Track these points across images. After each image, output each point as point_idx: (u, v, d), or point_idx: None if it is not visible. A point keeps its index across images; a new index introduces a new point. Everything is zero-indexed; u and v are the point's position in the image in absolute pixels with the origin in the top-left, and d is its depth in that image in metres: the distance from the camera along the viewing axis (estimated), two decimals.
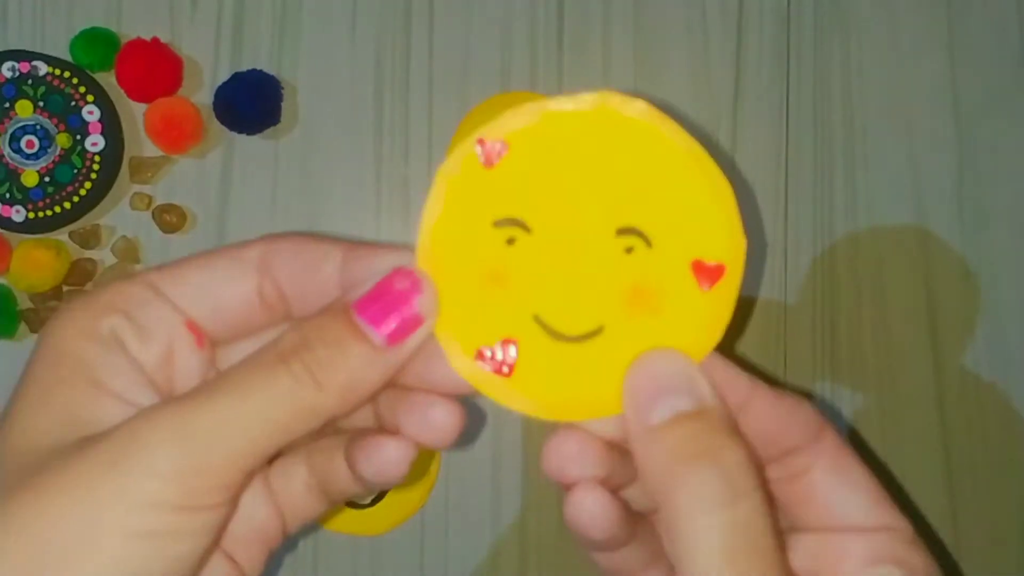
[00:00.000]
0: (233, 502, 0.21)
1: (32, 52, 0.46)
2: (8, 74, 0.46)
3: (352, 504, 0.46)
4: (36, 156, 0.46)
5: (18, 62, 0.46)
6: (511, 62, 0.48)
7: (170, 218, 0.46)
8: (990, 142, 0.48)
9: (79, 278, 0.46)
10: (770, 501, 0.22)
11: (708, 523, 0.21)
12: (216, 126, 0.47)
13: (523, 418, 0.47)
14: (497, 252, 0.24)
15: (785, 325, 0.47)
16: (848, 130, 0.48)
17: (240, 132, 0.47)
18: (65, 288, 0.46)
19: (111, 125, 0.46)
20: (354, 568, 0.46)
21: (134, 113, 0.47)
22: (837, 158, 0.48)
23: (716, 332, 0.23)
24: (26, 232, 0.46)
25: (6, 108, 0.46)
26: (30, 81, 0.46)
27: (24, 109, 0.46)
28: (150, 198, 0.47)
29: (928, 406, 0.47)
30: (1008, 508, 0.47)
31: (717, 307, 0.23)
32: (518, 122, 0.24)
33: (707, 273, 0.24)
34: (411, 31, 0.48)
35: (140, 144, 0.47)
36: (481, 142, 0.24)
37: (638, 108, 0.23)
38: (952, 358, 0.47)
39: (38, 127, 0.46)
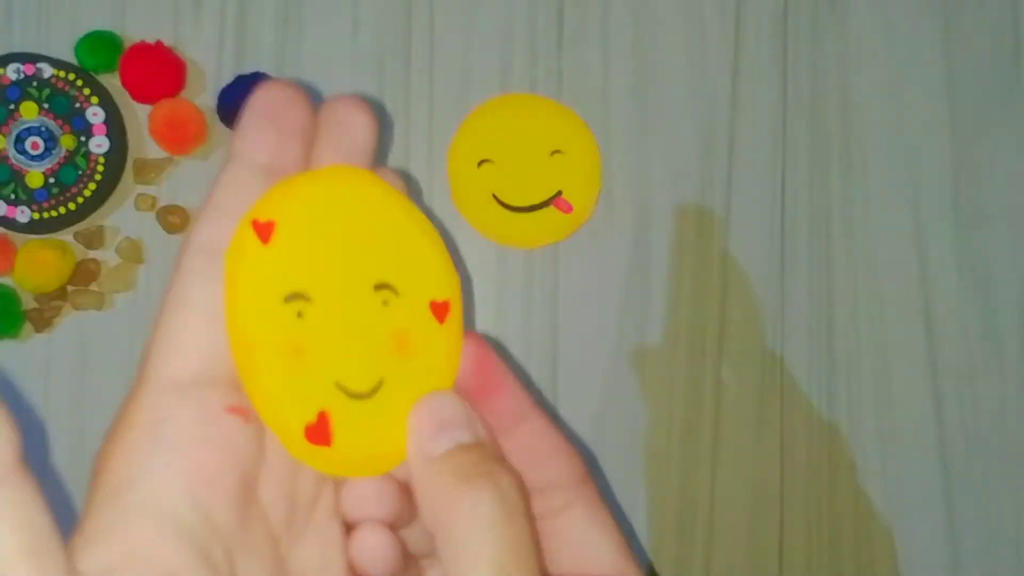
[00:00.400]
0: None
1: (37, 54, 0.47)
2: (13, 76, 0.46)
3: None
4: (41, 157, 0.46)
5: (23, 64, 0.46)
6: (511, 62, 0.48)
7: (174, 219, 0.47)
8: (986, 142, 0.48)
9: (83, 278, 0.47)
10: (534, 527, 0.23)
11: (484, 539, 0.22)
12: (219, 127, 0.47)
13: None
14: (293, 326, 0.24)
15: (782, 326, 0.48)
16: (845, 131, 0.48)
17: None
18: (69, 288, 0.47)
19: (115, 127, 0.47)
20: None
21: (138, 115, 0.48)
22: (834, 159, 0.48)
23: (456, 357, 0.26)
24: (31, 233, 0.47)
25: (11, 110, 0.46)
26: (35, 83, 0.46)
27: (29, 111, 0.46)
28: (154, 199, 0.47)
29: (925, 407, 0.48)
30: (1005, 508, 0.47)
31: (452, 336, 0.26)
32: (278, 199, 0.25)
33: (439, 309, 0.26)
34: (411, 33, 0.48)
35: (144, 145, 0.48)
36: (254, 223, 0.25)
37: (365, 177, 0.26)
38: (949, 359, 0.48)
39: (43, 129, 0.46)
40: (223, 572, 0.21)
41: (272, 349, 0.24)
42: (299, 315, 0.24)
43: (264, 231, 0.25)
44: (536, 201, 0.47)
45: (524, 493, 0.24)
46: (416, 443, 0.24)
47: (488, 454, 0.24)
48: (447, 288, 0.26)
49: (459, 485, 0.23)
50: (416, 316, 0.25)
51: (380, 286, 0.25)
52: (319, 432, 0.24)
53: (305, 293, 0.25)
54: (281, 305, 0.24)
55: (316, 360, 0.24)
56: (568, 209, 0.47)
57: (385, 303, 0.25)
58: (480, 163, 0.47)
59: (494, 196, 0.47)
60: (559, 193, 0.47)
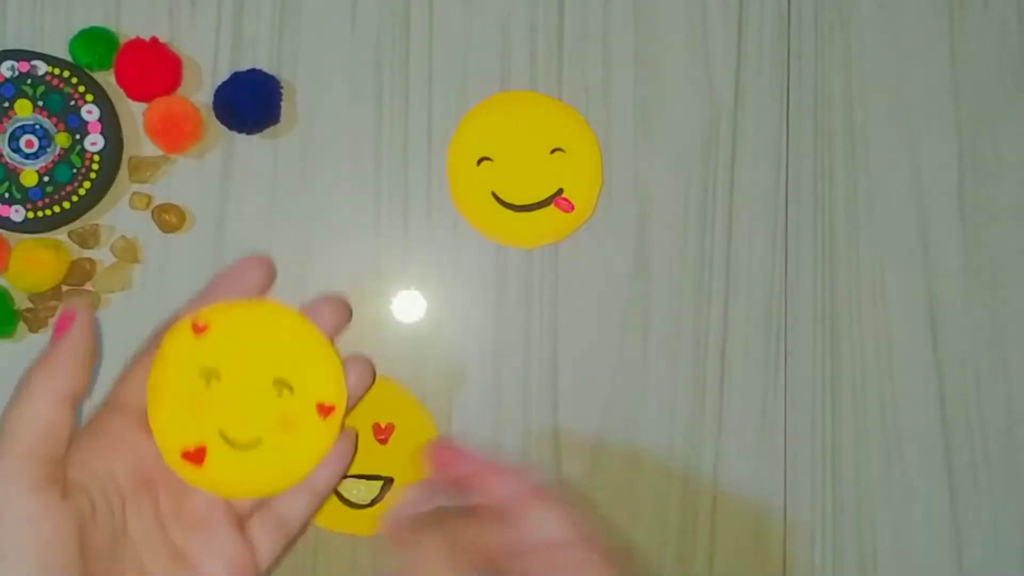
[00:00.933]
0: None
1: (31, 51, 0.46)
2: (7, 73, 0.46)
3: (351, 504, 0.46)
4: (35, 156, 0.46)
5: (17, 61, 0.46)
6: (511, 62, 0.48)
7: (169, 218, 0.46)
8: (991, 141, 0.48)
9: (78, 278, 0.46)
10: None
11: None
12: (215, 125, 0.47)
13: (522, 428, 0.47)
14: (199, 390, 0.38)
15: (785, 326, 0.47)
16: (849, 130, 0.48)
17: (240, 132, 0.47)
18: (64, 288, 0.46)
19: (110, 124, 0.46)
20: (353, 568, 0.46)
21: (133, 112, 0.47)
22: (838, 158, 0.48)
23: (328, 445, 0.38)
24: (25, 232, 0.46)
25: (5, 108, 0.46)
26: (29, 80, 0.46)
27: (23, 108, 0.46)
28: (149, 197, 0.47)
29: (930, 407, 0.47)
30: (1010, 509, 0.47)
31: (330, 430, 0.39)
32: (218, 311, 0.38)
33: (324, 410, 0.39)
34: (410, 30, 0.48)
35: (139, 143, 0.47)
36: (194, 323, 0.38)
37: (288, 311, 0.39)
38: (953, 359, 0.47)
39: (37, 126, 0.46)
40: (108, 511, 0.34)
41: (177, 398, 0.38)
42: (207, 384, 0.38)
43: (200, 330, 0.38)
44: (537, 199, 0.47)
45: None
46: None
47: None
48: (334, 396, 0.39)
49: None
50: (303, 409, 0.38)
51: (279, 382, 0.38)
52: (194, 456, 0.37)
53: (217, 372, 0.38)
54: (196, 374, 0.38)
55: (210, 414, 0.38)
56: (569, 208, 0.47)
57: (279, 394, 0.38)
58: (480, 161, 0.47)
59: (494, 194, 0.47)
60: (560, 191, 0.47)
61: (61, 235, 0.47)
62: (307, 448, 0.38)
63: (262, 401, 0.38)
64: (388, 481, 0.46)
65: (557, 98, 0.47)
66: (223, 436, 0.38)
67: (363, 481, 0.46)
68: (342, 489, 0.46)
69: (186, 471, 0.37)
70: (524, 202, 0.47)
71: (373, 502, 0.46)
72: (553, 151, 0.47)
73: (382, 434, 0.45)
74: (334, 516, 0.46)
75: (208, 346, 0.38)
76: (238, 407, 0.38)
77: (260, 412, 0.38)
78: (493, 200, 0.47)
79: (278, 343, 0.38)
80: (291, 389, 0.38)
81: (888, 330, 0.47)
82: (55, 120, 0.46)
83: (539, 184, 0.47)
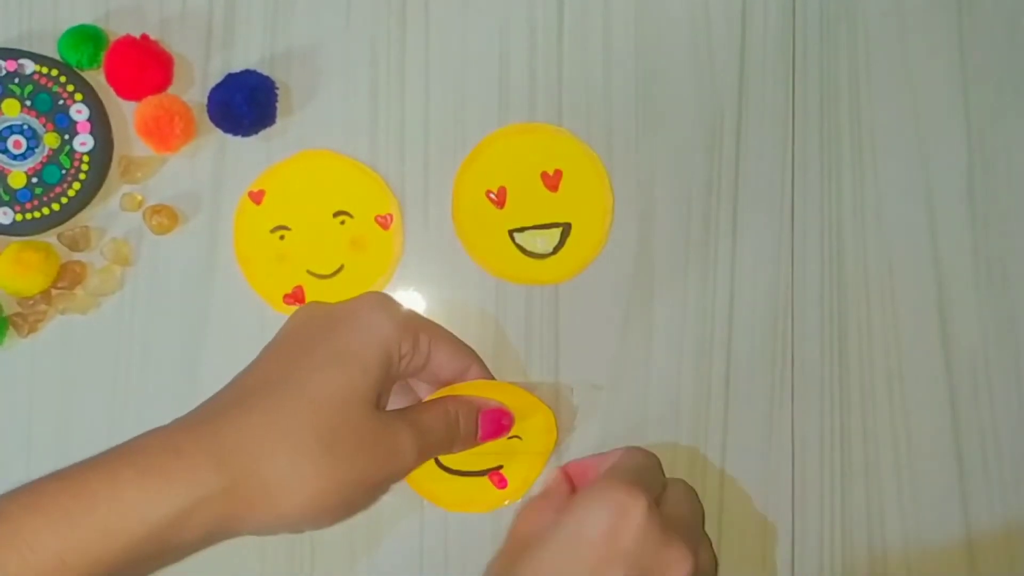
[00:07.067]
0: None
1: (18, 50, 0.45)
2: None
3: (533, 255, 0.46)
4: (23, 156, 0.45)
5: (4, 60, 0.45)
6: (509, 60, 0.47)
7: (161, 219, 0.45)
8: (1001, 139, 0.47)
9: (68, 281, 0.45)
10: None
11: None
12: (207, 124, 0.46)
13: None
14: (276, 244, 0.45)
15: (792, 326, 0.46)
16: (855, 127, 0.47)
17: (235, 135, 0.46)
18: (54, 292, 0.45)
19: (100, 124, 0.45)
20: (351, 564, 0.45)
21: (124, 112, 0.46)
22: (844, 156, 0.47)
23: (399, 252, 0.45)
24: (14, 235, 0.45)
25: None
26: (17, 80, 0.45)
27: (11, 108, 0.45)
28: (141, 199, 0.46)
29: (940, 408, 0.46)
30: (1021, 509, 0.46)
31: (395, 237, 0.45)
32: (266, 176, 0.45)
33: (383, 221, 0.45)
34: (406, 28, 0.47)
35: (130, 143, 0.46)
36: (250, 194, 0.45)
37: (325, 152, 0.45)
38: (963, 359, 0.46)
39: (25, 127, 0.45)
40: None
41: (263, 259, 0.45)
42: (281, 238, 0.45)
43: (257, 197, 0.45)
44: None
45: None
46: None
47: None
48: (388, 206, 0.45)
49: None
50: (366, 227, 0.45)
51: (338, 213, 0.45)
52: (295, 297, 0.45)
53: (285, 225, 0.45)
54: (268, 235, 0.45)
55: (293, 260, 0.45)
56: (502, 485, 0.46)
57: (342, 223, 0.45)
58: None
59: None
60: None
61: (51, 238, 0.46)
62: (380, 261, 0.45)
63: (330, 234, 0.45)
64: (566, 227, 0.45)
65: (557, 96, 0.47)
66: (311, 273, 0.45)
67: (541, 231, 0.45)
68: (522, 242, 0.46)
69: (290, 311, 0.42)
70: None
71: (555, 250, 0.45)
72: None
73: (551, 181, 0.45)
74: (517, 271, 0.46)
75: (269, 208, 0.45)
76: (314, 246, 0.45)
77: (333, 243, 0.45)
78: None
79: (325, 182, 0.45)
80: (350, 215, 0.44)
81: (897, 328, 0.46)
82: (43, 120, 0.45)
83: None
